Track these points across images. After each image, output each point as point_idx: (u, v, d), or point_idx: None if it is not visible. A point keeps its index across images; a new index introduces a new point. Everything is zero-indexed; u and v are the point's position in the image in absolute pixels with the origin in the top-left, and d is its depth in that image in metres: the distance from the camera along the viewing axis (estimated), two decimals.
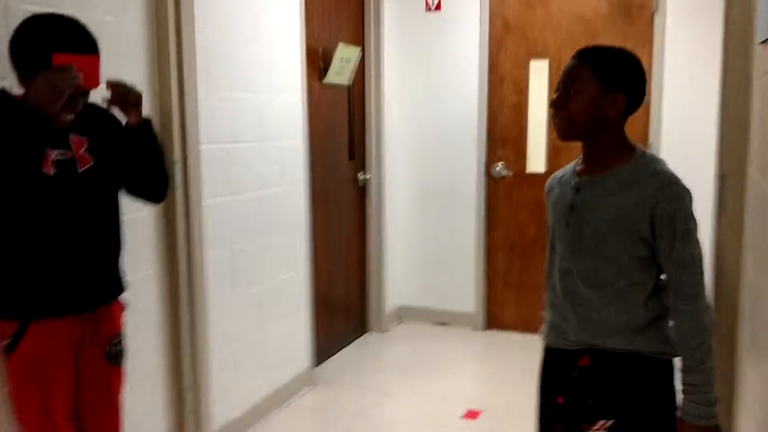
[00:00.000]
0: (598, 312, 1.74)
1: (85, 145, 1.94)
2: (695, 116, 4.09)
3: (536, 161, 4.49)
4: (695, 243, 1.68)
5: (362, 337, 4.64)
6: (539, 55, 4.34)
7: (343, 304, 4.43)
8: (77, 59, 1.73)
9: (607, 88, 1.70)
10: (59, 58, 1.70)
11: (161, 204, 2.63)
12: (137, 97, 1.96)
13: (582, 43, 4.62)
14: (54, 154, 1.86)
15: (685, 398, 1.70)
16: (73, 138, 1.93)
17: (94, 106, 2.04)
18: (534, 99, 4.45)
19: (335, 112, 4.17)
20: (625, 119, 1.77)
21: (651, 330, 1.73)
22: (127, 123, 2.00)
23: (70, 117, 1.87)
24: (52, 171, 1.85)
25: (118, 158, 2.02)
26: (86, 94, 1.89)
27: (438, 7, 4.63)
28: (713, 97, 3.95)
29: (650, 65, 4.15)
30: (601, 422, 1.74)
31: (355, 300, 4.57)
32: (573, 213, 1.77)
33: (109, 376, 2.05)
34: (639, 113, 4.06)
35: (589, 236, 1.73)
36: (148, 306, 2.62)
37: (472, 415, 3.46)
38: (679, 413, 1.72)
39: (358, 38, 4.35)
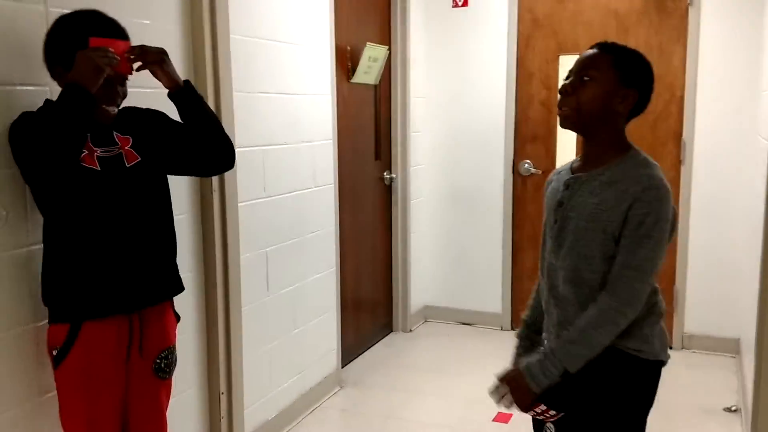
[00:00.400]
0: (575, 310, 1.72)
1: (130, 142, 1.91)
2: (732, 111, 4.02)
3: (565, 159, 4.41)
4: (653, 251, 1.63)
5: (388, 336, 4.60)
6: (569, 51, 4.27)
7: (370, 304, 4.39)
8: (111, 43, 1.77)
9: (621, 81, 1.68)
10: (95, 41, 1.75)
11: (199, 214, 2.61)
12: (158, 54, 1.88)
13: (614, 38, 4.54)
14: (99, 151, 1.83)
15: (538, 354, 1.71)
16: (117, 135, 1.89)
17: (134, 109, 2.02)
18: None
19: (362, 111, 4.12)
20: (628, 119, 1.75)
21: (627, 328, 1.68)
22: (169, 89, 1.94)
23: (112, 109, 1.86)
24: (98, 167, 1.81)
25: (166, 150, 1.98)
26: (123, 84, 1.87)
27: (465, 3, 4.56)
28: (751, 91, 3.90)
29: (684, 60, 4.07)
30: (544, 408, 1.72)
31: (381, 299, 4.53)
32: (560, 209, 1.77)
33: (158, 389, 2.02)
34: (672, 109, 4.05)
35: (570, 233, 1.72)
36: (184, 309, 2.57)
37: (503, 418, 3.42)
38: (522, 363, 1.73)
39: (385, 36, 4.30)
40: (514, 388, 1.72)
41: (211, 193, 2.62)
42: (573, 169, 1.81)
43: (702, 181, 4.12)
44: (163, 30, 2.42)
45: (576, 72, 1.72)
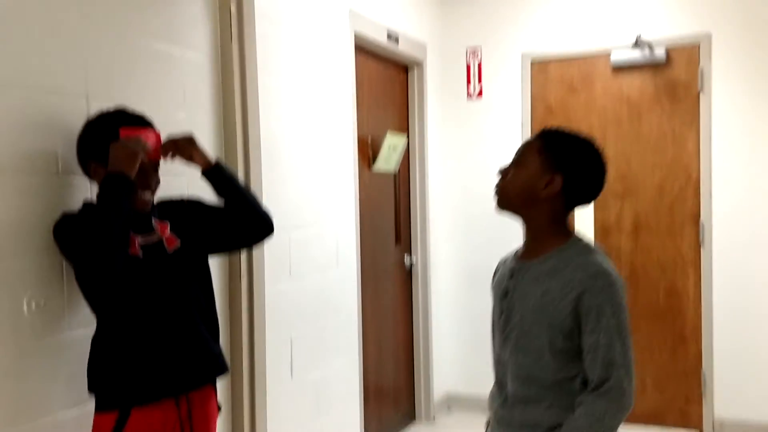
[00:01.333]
0: (521, 410, 1.66)
1: (168, 227, 1.95)
2: (748, 191, 4.06)
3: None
4: (625, 340, 1.56)
5: (410, 426, 4.50)
6: None
7: (392, 391, 4.32)
8: (141, 131, 1.86)
9: (546, 165, 1.65)
10: (125, 131, 1.84)
11: (228, 296, 2.64)
12: (187, 141, 1.98)
13: (627, 125, 4.65)
14: (140, 239, 1.88)
15: None
16: (156, 222, 1.94)
17: (168, 199, 2.08)
18: None
19: (382, 197, 4.19)
20: (569, 207, 1.69)
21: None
22: (203, 170, 2.01)
23: (147, 195, 1.91)
24: (140, 254, 1.85)
25: (205, 229, 2.03)
26: (156, 171, 1.94)
27: (480, 94, 4.71)
28: (766, 169, 3.95)
29: (698, 144, 4.15)
30: None
31: (403, 386, 4.46)
32: (506, 300, 1.72)
33: None
34: (688, 192, 4.09)
35: (516, 326, 1.67)
36: None
37: None
38: None
39: (403, 126, 4.42)
40: None
41: (239, 278, 2.65)
42: (518, 256, 1.77)
43: (723, 262, 4.11)
44: (198, 120, 2.52)
45: (514, 156, 1.73)
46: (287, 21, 3.04)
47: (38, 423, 1.89)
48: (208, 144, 2.58)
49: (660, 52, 4.16)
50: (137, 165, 1.78)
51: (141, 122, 1.92)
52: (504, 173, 1.72)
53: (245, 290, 2.68)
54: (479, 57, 4.68)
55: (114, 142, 1.80)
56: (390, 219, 4.28)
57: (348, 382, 3.56)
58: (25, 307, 1.84)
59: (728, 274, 4.11)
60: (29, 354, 1.86)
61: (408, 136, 4.38)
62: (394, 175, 4.29)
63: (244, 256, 2.68)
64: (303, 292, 3.15)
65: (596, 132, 4.34)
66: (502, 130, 4.63)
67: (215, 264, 2.57)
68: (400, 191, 4.37)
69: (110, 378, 1.85)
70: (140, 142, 1.81)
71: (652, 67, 4.23)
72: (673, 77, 4.21)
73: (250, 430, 2.73)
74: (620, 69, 4.29)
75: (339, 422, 3.45)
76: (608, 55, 4.29)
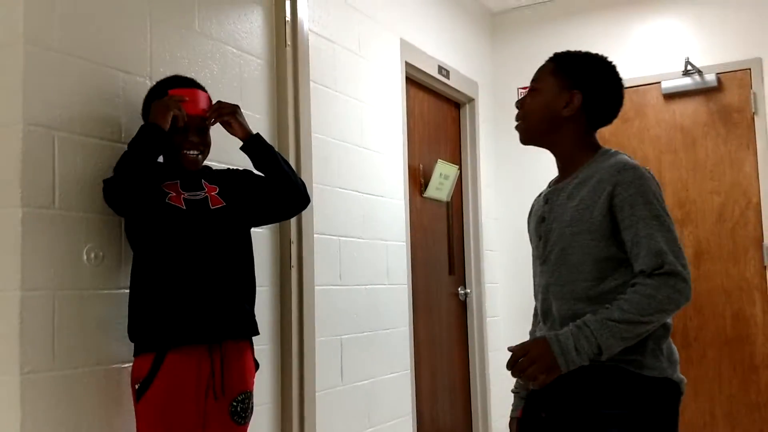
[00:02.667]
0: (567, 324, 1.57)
1: (217, 191, 2.07)
2: None
3: None
4: (668, 227, 1.50)
5: None
6: None
7: (448, 425, 4.22)
8: (184, 91, 2.02)
9: (562, 86, 1.65)
10: (172, 92, 2.01)
11: (279, 288, 2.72)
12: (231, 107, 2.11)
13: (681, 151, 4.63)
14: (186, 194, 2.01)
15: (572, 326, 1.49)
16: (205, 183, 2.07)
17: (223, 170, 2.22)
18: None
19: (435, 226, 4.25)
20: (593, 126, 1.68)
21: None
22: (242, 141, 2.14)
23: (194, 154, 2.05)
24: (183, 206, 1.98)
25: (248, 197, 2.14)
26: (204, 132, 2.08)
27: None
28: None
29: (756, 166, 4.08)
30: None
31: (460, 422, 4.36)
32: (543, 225, 1.69)
33: None
34: (750, 215, 3.99)
35: (555, 245, 1.62)
36: (259, 383, 2.60)
37: None
38: (551, 333, 1.50)
39: (456, 158, 4.52)
40: (536, 356, 1.48)
41: (290, 268, 2.73)
42: (550, 184, 1.77)
43: None
44: (253, 119, 2.68)
45: (530, 84, 1.74)
46: (339, 39, 3.23)
47: (94, 369, 1.97)
48: None
49: (710, 78, 4.18)
50: (169, 118, 1.93)
51: (192, 85, 2.09)
52: (521, 103, 1.72)
53: (295, 282, 2.75)
54: None
55: (155, 101, 1.98)
56: (443, 249, 4.32)
57: (401, 398, 3.52)
58: (84, 257, 1.97)
59: None
60: (88, 303, 1.97)
61: (460, 167, 4.47)
62: (447, 207, 4.36)
63: (294, 249, 2.77)
64: (353, 299, 3.19)
65: (651, 161, 4.34)
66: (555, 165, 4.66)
67: (268, 254, 2.68)
68: (453, 223, 4.43)
69: (147, 321, 1.94)
70: (176, 98, 1.98)
71: (704, 92, 4.24)
72: (725, 102, 4.21)
73: (299, 422, 2.73)
74: (672, 96, 4.32)
75: None
76: (659, 83, 4.33)
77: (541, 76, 1.71)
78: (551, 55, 1.75)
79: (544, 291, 1.69)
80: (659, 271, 1.48)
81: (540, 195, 1.84)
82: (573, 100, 1.65)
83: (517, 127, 1.73)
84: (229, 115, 2.10)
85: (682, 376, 1.60)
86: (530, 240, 1.82)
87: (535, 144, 1.74)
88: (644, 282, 1.48)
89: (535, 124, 1.69)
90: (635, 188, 1.52)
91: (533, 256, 1.78)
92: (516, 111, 1.76)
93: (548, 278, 1.66)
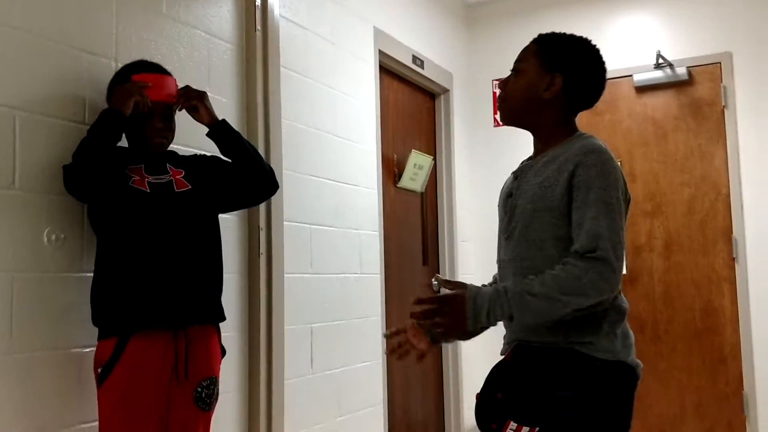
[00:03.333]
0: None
1: (182, 174, 2.05)
2: None
3: None
4: (614, 216, 1.49)
5: None
6: None
7: (420, 415, 4.22)
8: (148, 77, 2.00)
9: (544, 67, 1.65)
10: (135, 77, 1.98)
11: (247, 275, 2.69)
12: (198, 93, 2.10)
13: (653, 143, 4.65)
14: (150, 178, 1.98)
15: (492, 289, 1.52)
16: (170, 167, 2.05)
17: (189, 155, 2.19)
18: None
19: (409, 216, 4.24)
20: (573, 110, 1.69)
21: (582, 322, 1.52)
22: (208, 128, 2.12)
23: (159, 140, 2.03)
24: (147, 189, 1.95)
25: (214, 181, 2.11)
26: (169, 115, 2.05)
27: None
28: None
29: (726, 159, 4.13)
30: (514, 425, 1.52)
31: (431, 412, 4.36)
32: (509, 200, 1.70)
33: (197, 420, 2.00)
34: (719, 208, 4.04)
35: (518, 222, 1.63)
36: (226, 371, 2.57)
37: None
38: (472, 289, 1.53)
39: (431, 150, 4.52)
40: (449, 312, 1.52)
41: (259, 255, 2.71)
42: (523, 162, 1.77)
43: (758, 277, 4.00)
44: (221, 103, 2.65)
45: (513, 65, 1.73)
46: (311, 25, 3.20)
47: (54, 353, 1.94)
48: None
49: (682, 71, 4.21)
50: (131, 103, 1.91)
51: (157, 70, 2.06)
52: (503, 84, 1.72)
53: (264, 269, 2.73)
54: None
55: (118, 85, 1.96)
56: (417, 239, 4.31)
57: (372, 388, 3.51)
58: (45, 239, 1.93)
59: (766, 289, 3.99)
60: (49, 286, 1.94)
61: (435, 159, 4.47)
62: (422, 197, 4.35)
63: (263, 236, 2.75)
64: (324, 288, 3.17)
65: (623, 153, 4.37)
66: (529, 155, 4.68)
67: (236, 241, 2.66)
68: (427, 214, 4.42)
69: (110, 306, 1.91)
70: (138, 83, 1.95)
71: (675, 86, 4.28)
72: (696, 95, 4.25)
73: (267, 413, 2.71)
74: (643, 89, 4.35)
75: (361, 426, 3.39)
76: (631, 76, 4.36)
77: (524, 57, 1.71)
78: (535, 36, 1.74)
79: (503, 266, 1.70)
80: (591, 254, 1.47)
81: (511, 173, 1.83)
82: (554, 82, 1.65)
83: (498, 107, 1.74)
84: (196, 99, 2.07)
85: (637, 361, 1.59)
86: (498, 213, 1.81)
87: (515, 125, 1.74)
88: (575, 263, 1.48)
89: (515, 105, 1.70)
90: (595, 171, 1.52)
91: (499, 231, 1.77)
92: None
93: (510, 253, 1.66)
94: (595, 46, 1.71)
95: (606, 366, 1.53)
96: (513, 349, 1.64)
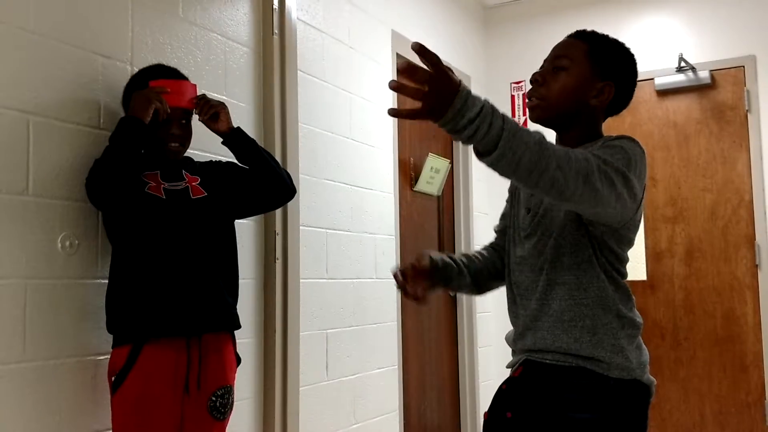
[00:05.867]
0: (540, 300, 1.50)
1: (198, 181, 2.02)
2: None
3: (635, 268, 4.32)
4: (632, 187, 1.36)
5: None
6: None
7: (435, 422, 4.18)
8: (167, 83, 1.96)
9: (596, 73, 1.53)
10: (153, 83, 1.95)
11: (262, 281, 2.66)
12: (219, 104, 2.07)
13: (674, 148, 4.57)
14: (166, 185, 1.96)
15: (490, 104, 1.25)
16: (186, 174, 2.02)
17: (205, 162, 2.17)
18: None
19: (425, 219, 4.20)
20: (606, 116, 1.59)
21: (602, 331, 1.45)
22: (223, 136, 2.10)
23: (175, 146, 2.01)
24: (163, 195, 1.93)
25: (231, 188, 2.09)
26: (187, 124, 2.04)
27: (524, 124, 4.74)
28: None
29: (749, 164, 4.05)
30: None
31: (448, 419, 4.32)
32: (533, 197, 1.58)
33: (211, 431, 1.97)
34: (742, 214, 3.96)
35: (541, 216, 1.53)
36: (241, 378, 2.55)
37: None
38: (465, 87, 1.24)
39: (447, 153, 4.47)
40: (435, 91, 1.22)
41: (275, 260, 2.68)
42: None
43: None
44: (238, 107, 2.62)
45: (549, 60, 1.57)
46: (329, 29, 3.18)
47: (68, 361, 1.92)
48: (248, 131, 2.67)
49: (704, 75, 4.14)
50: (151, 111, 1.88)
51: (174, 75, 2.04)
52: (540, 80, 1.56)
53: (280, 274, 2.70)
54: (524, 89, 4.74)
55: (136, 92, 1.92)
56: (434, 243, 4.27)
57: (387, 394, 3.47)
58: (59, 245, 1.91)
59: None
60: (62, 292, 1.92)
61: (452, 162, 4.42)
62: (438, 201, 4.31)
63: (279, 241, 2.72)
64: (340, 293, 3.14)
65: None
66: None
67: (252, 246, 2.63)
68: (444, 217, 4.38)
69: (124, 313, 1.89)
70: (156, 90, 1.92)
71: (697, 89, 4.20)
72: (718, 99, 4.17)
73: (282, 421, 2.68)
74: (665, 93, 4.28)
75: None
76: (652, 79, 4.29)
77: (572, 54, 1.55)
78: (577, 32, 1.61)
79: (519, 263, 1.60)
80: (603, 169, 1.33)
81: None
82: (605, 91, 1.54)
83: (531, 104, 1.57)
84: (217, 107, 2.06)
85: (652, 378, 1.53)
86: (511, 212, 1.70)
87: (547, 125, 1.60)
88: (582, 153, 1.32)
89: (558, 105, 1.54)
90: (620, 147, 1.43)
91: (513, 227, 1.66)
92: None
93: (530, 250, 1.56)
94: (634, 54, 1.63)
95: (621, 385, 1.46)
96: (523, 366, 1.57)
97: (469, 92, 1.24)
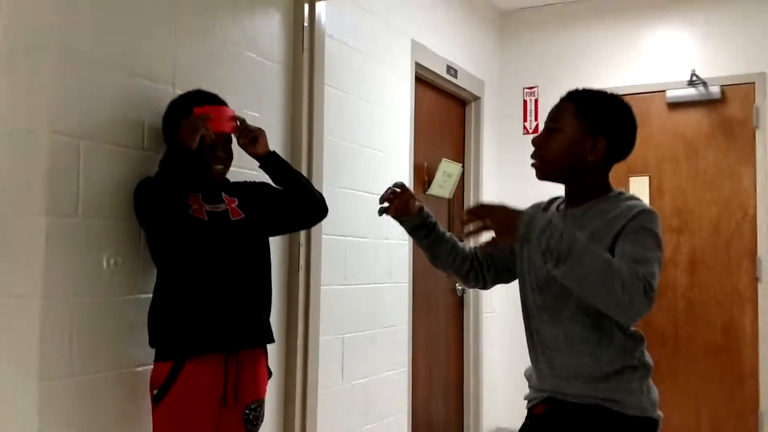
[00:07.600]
0: (562, 353, 1.65)
1: (236, 203, 2.12)
2: None
3: None
4: (655, 266, 1.51)
5: None
6: (639, 172, 4.41)
7: (441, 421, 4.32)
8: (210, 109, 2.06)
9: (587, 130, 1.65)
10: (197, 110, 2.04)
11: (285, 290, 2.77)
12: (258, 129, 2.19)
13: (683, 160, 4.66)
14: (208, 207, 2.06)
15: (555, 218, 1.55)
16: (225, 196, 2.12)
17: (242, 182, 2.26)
18: None
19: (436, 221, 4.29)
20: (609, 166, 1.71)
21: (617, 379, 1.61)
22: (260, 160, 2.22)
23: (220, 168, 2.10)
24: (206, 218, 2.03)
25: (267, 209, 2.20)
26: (228, 147, 2.14)
27: (536, 130, 4.83)
28: None
29: (754, 180, 4.15)
30: None
31: (452, 418, 4.45)
32: None
33: None
34: (745, 228, 4.07)
35: None
36: None
37: None
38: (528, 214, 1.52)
39: (459, 156, 4.56)
40: (500, 217, 1.54)
41: (298, 270, 2.78)
42: (558, 207, 1.79)
43: None
44: (268, 123, 2.70)
45: (545, 124, 1.73)
46: (353, 42, 3.25)
47: (111, 374, 2.03)
48: (277, 144, 2.76)
49: (715, 90, 4.23)
50: (197, 137, 1.98)
51: (215, 101, 2.13)
52: (537, 144, 1.73)
53: (302, 283, 2.81)
54: (536, 95, 4.82)
55: (183, 119, 2.02)
56: None
57: (397, 396, 3.60)
58: (104, 263, 2.01)
59: None
60: (106, 308, 2.02)
61: (464, 166, 4.51)
62: (449, 204, 4.41)
63: (302, 251, 2.82)
64: (356, 298, 3.25)
65: (652, 168, 4.40)
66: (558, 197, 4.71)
67: (276, 257, 2.73)
68: (454, 219, 4.48)
69: (167, 330, 2.00)
70: (202, 117, 2.02)
71: (708, 104, 4.29)
72: (728, 114, 4.26)
73: (302, 422, 2.80)
74: (676, 106, 4.36)
75: None
76: (664, 92, 4.37)
77: (562, 117, 1.70)
78: (567, 93, 1.75)
79: (538, 311, 1.72)
80: (637, 267, 1.50)
81: (538, 207, 1.86)
82: (597, 145, 1.67)
83: (533, 165, 1.75)
84: (255, 131, 2.16)
85: (660, 414, 1.68)
86: (522, 254, 1.82)
87: (553, 181, 1.77)
88: (628, 266, 1.49)
89: (555, 165, 1.71)
90: (646, 223, 1.58)
91: (529, 273, 1.77)
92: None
93: (549, 301, 1.69)
94: (629, 104, 1.73)
95: (636, 422, 1.62)
96: (546, 404, 1.70)
97: (532, 213, 1.49)
